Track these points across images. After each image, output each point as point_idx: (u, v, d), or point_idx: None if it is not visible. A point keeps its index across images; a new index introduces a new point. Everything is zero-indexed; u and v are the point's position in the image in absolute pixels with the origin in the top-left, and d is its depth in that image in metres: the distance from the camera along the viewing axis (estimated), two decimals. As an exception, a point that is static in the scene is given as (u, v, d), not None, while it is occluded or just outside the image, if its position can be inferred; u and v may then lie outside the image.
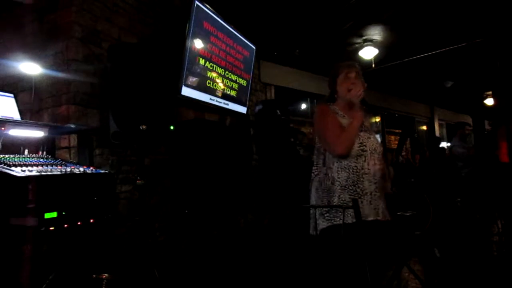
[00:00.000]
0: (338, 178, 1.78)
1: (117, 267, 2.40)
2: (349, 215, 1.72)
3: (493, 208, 4.55)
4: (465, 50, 5.20)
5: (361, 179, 1.77)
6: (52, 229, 1.43)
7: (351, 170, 1.77)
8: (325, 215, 1.79)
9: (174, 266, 3.09)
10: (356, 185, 1.76)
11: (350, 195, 1.75)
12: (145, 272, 2.34)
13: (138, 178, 2.54)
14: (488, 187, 4.53)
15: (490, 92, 8.24)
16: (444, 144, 10.17)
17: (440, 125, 10.51)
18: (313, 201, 1.88)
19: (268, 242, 4.18)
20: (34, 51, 2.77)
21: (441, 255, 3.39)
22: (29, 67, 2.59)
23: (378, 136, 8.39)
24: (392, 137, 8.65)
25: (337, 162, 1.80)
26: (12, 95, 2.13)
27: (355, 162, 1.78)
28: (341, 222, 1.74)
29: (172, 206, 3.36)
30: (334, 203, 1.76)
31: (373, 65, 5.65)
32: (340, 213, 1.75)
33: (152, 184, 3.11)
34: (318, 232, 1.80)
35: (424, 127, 10.07)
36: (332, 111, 1.90)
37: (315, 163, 1.93)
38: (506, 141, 4.36)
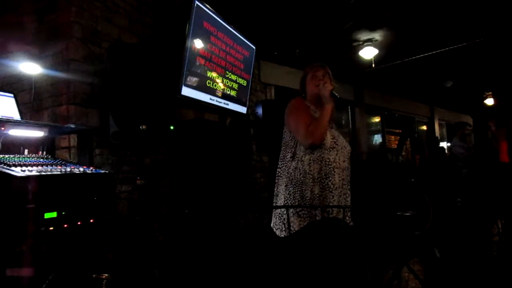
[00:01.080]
0: (310, 170, 1.75)
1: (117, 267, 2.40)
2: (319, 212, 1.70)
3: (493, 208, 4.55)
4: (465, 50, 5.20)
5: (333, 172, 1.75)
6: (52, 229, 1.43)
7: (323, 162, 1.75)
8: (300, 213, 1.74)
9: (174, 266, 3.09)
10: (328, 178, 1.74)
11: (321, 188, 1.73)
12: (145, 272, 2.34)
13: (138, 178, 2.55)
14: (488, 187, 4.53)
15: (490, 92, 8.24)
16: (444, 144, 10.19)
17: (440, 125, 10.51)
18: (282, 199, 1.84)
19: (268, 242, 4.18)
20: (34, 51, 2.77)
21: (441, 255, 3.39)
22: (29, 67, 2.59)
23: (378, 136, 8.40)
24: (392, 137, 8.64)
25: (309, 154, 1.78)
26: (12, 95, 2.13)
27: (328, 154, 1.77)
28: (319, 218, 1.71)
29: (172, 206, 3.36)
30: (307, 198, 1.73)
31: (373, 65, 5.65)
32: (318, 211, 1.71)
33: (152, 184, 3.11)
34: (289, 233, 1.74)
35: (424, 127, 10.07)
36: (305, 105, 1.92)
37: (281, 157, 1.91)
38: (506, 141, 4.36)
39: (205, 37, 3.56)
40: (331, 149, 1.78)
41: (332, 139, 1.82)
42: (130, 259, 2.55)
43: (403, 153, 5.50)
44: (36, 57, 2.71)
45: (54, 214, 1.44)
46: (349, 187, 1.84)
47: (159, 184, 3.24)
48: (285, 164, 1.87)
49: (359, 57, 5.34)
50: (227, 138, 4.40)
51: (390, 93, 8.21)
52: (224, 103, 4.03)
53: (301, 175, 1.76)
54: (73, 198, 1.55)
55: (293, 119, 1.87)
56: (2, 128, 1.75)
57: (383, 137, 8.37)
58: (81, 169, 1.72)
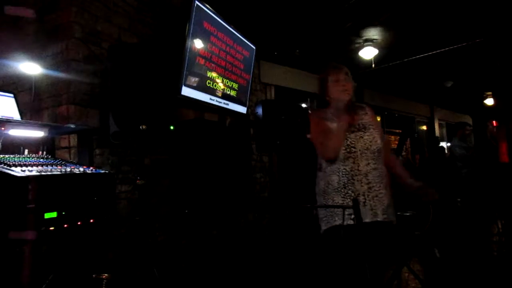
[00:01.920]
0: (331, 181, 1.82)
1: (117, 267, 2.40)
2: (348, 217, 1.72)
3: (493, 208, 4.55)
4: (465, 50, 5.20)
5: (351, 180, 1.78)
6: (52, 229, 1.43)
7: (340, 173, 1.80)
8: (323, 219, 1.84)
9: (174, 266, 3.09)
10: (347, 187, 1.78)
11: (342, 197, 1.78)
12: (145, 272, 2.34)
13: (138, 178, 2.54)
14: (488, 187, 4.53)
15: (490, 92, 8.24)
16: (443, 144, 10.19)
17: (440, 125, 10.51)
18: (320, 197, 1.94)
19: (268, 242, 4.18)
20: (34, 51, 2.77)
21: (441, 255, 3.39)
22: (29, 67, 2.59)
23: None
24: (392, 137, 8.64)
25: (329, 166, 1.84)
26: (12, 95, 2.13)
27: (343, 165, 1.80)
28: (338, 223, 1.75)
29: (172, 206, 3.36)
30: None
31: (373, 65, 5.65)
32: (336, 216, 1.76)
33: (152, 184, 3.11)
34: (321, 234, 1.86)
35: (424, 127, 10.07)
36: (318, 118, 1.93)
37: (317, 168, 1.99)
38: (506, 141, 4.36)
39: (205, 37, 3.56)
40: (345, 160, 1.80)
41: (346, 148, 1.80)
42: (130, 259, 2.55)
43: (403, 153, 5.50)
44: (36, 57, 2.71)
45: (54, 214, 1.44)
46: (382, 185, 1.82)
47: (159, 184, 3.24)
48: (318, 172, 1.96)
49: (359, 57, 5.34)
50: (227, 138, 4.40)
51: (390, 93, 8.21)
52: (224, 103, 4.02)
53: (325, 185, 1.85)
54: (73, 198, 1.55)
55: (312, 134, 1.94)
56: (2, 128, 1.75)
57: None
58: (81, 169, 1.72)
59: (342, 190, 1.78)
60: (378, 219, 1.76)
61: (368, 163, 1.81)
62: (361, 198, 1.76)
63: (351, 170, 1.79)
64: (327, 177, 1.84)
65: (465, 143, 5.06)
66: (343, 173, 1.80)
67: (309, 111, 1.95)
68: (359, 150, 1.81)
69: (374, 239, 1.73)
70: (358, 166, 1.80)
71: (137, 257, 2.49)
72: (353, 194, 1.76)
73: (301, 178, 4.63)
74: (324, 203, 1.83)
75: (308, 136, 2.01)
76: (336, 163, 1.81)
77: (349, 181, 1.78)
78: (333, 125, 1.84)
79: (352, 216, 1.65)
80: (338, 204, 1.77)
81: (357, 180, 1.78)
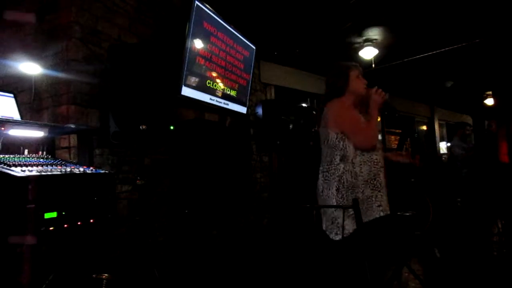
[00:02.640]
0: (361, 172, 1.77)
1: (117, 267, 2.40)
2: (377, 209, 1.73)
3: (493, 208, 4.55)
4: (465, 50, 5.20)
5: (379, 172, 1.79)
6: (52, 229, 1.43)
7: (372, 163, 1.78)
8: (353, 215, 1.72)
9: (174, 266, 3.09)
10: (376, 179, 1.77)
11: (371, 189, 1.75)
12: (145, 272, 2.34)
13: (138, 178, 2.54)
14: (488, 187, 4.53)
15: (490, 92, 8.24)
16: (443, 144, 10.19)
17: (440, 125, 10.50)
18: (334, 203, 1.80)
19: (268, 242, 4.18)
20: (34, 51, 2.77)
21: (441, 255, 3.39)
22: (29, 67, 2.59)
23: (378, 136, 8.38)
24: (392, 137, 8.64)
25: (359, 156, 1.79)
26: (12, 95, 2.13)
27: (376, 154, 1.80)
28: (368, 219, 1.72)
29: (172, 206, 3.36)
30: (360, 200, 1.71)
31: (373, 65, 5.65)
32: (366, 210, 1.72)
33: (152, 184, 3.11)
34: (344, 236, 1.72)
35: (424, 127, 10.07)
36: (348, 105, 1.91)
37: (328, 160, 1.86)
38: (506, 141, 4.36)
39: (205, 37, 3.56)
40: (378, 150, 1.82)
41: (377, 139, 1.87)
42: (130, 259, 2.55)
43: (403, 153, 5.49)
44: (36, 57, 2.71)
45: (54, 214, 1.44)
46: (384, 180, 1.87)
47: (159, 184, 3.23)
48: (334, 167, 1.82)
49: (359, 57, 5.34)
50: (227, 138, 4.40)
51: (390, 93, 8.16)
52: (224, 103, 4.02)
53: (352, 177, 1.77)
54: (73, 198, 1.55)
55: (348, 120, 1.84)
56: (2, 128, 1.75)
57: (383, 137, 8.37)
58: (81, 169, 1.71)
59: (372, 181, 1.76)
60: (388, 213, 1.79)
61: (382, 158, 1.85)
62: (384, 190, 1.78)
63: (379, 161, 1.80)
64: (356, 168, 1.77)
65: (465, 143, 5.07)
66: (375, 163, 1.78)
67: (332, 99, 1.85)
68: (380, 146, 1.86)
69: (395, 232, 1.74)
70: (382, 159, 1.83)
71: (137, 257, 2.49)
72: (379, 186, 1.76)
73: (301, 178, 4.63)
74: (353, 196, 1.71)
75: (329, 124, 1.87)
76: (369, 153, 1.79)
77: (377, 173, 1.78)
78: (359, 115, 1.88)
79: (381, 208, 1.66)
80: (368, 196, 1.73)
81: (382, 173, 1.80)
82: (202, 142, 3.95)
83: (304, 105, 5.49)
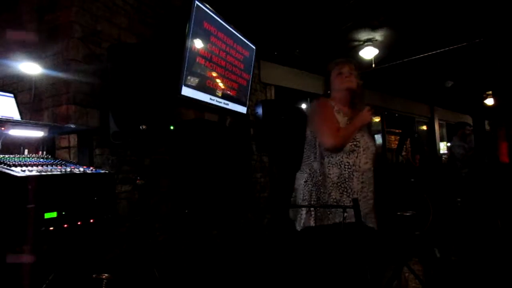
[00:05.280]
0: (329, 174, 1.74)
1: (117, 267, 2.40)
2: (337, 215, 1.69)
3: (493, 208, 4.55)
4: (465, 50, 5.20)
5: (351, 176, 1.73)
6: (52, 229, 1.42)
7: (343, 166, 1.74)
8: (313, 214, 1.75)
9: (174, 266, 3.09)
10: (346, 183, 1.72)
11: (340, 193, 1.72)
12: (145, 272, 2.34)
13: (138, 178, 2.54)
14: (488, 187, 4.53)
15: (490, 92, 8.24)
16: (443, 144, 10.19)
17: (440, 125, 10.50)
18: (300, 194, 1.84)
19: (268, 242, 4.18)
20: (34, 51, 2.77)
21: (441, 255, 3.39)
22: (29, 67, 2.59)
23: (378, 136, 8.38)
24: (392, 137, 8.64)
25: (327, 157, 1.76)
26: (12, 95, 2.13)
27: (346, 158, 1.74)
28: (330, 223, 1.70)
29: (172, 206, 3.36)
30: (324, 201, 1.73)
31: (373, 65, 5.65)
32: (331, 214, 1.72)
33: (152, 184, 3.11)
34: (301, 228, 1.77)
35: (424, 127, 10.07)
36: (327, 103, 1.88)
37: (304, 158, 1.90)
38: (506, 141, 4.36)
39: (205, 37, 3.56)
40: (351, 152, 1.75)
41: (353, 142, 1.76)
42: (130, 259, 2.55)
43: (403, 153, 5.50)
44: (36, 57, 2.71)
45: (54, 214, 1.44)
46: (371, 189, 1.79)
47: (159, 184, 3.24)
48: (309, 162, 1.85)
49: (359, 57, 5.34)
50: (227, 138, 4.40)
51: (390, 93, 8.21)
52: (224, 103, 4.03)
53: (321, 177, 1.76)
54: (73, 198, 1.55)
55: (318, 119, 1.84)
56: (2, 128, 1.75)
57: (383, 137, 8.36)
58: (81, 169, 1.71)
59: (341, 185, 1.72)
60: (353, 221, 1.68)
61: (366, 162, 1.79)
62: (354, 197, 1.71)
63: (353, 165, 1.74)
64: (325, 169, 1.75)
65: (465, 143, 5.06)
66: (346, 166, 1.73)
67: (318, 98, 1.85)
68: (362, 147, 1.79)
69: (355, 240, 1.68)
70: (359, 162, 1.76)
71: (137, 257, 2.49)
72: (350, 191, 1.72)
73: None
74: (317, 196, 1.74)
75: (308, 121, 1.90)
76: (339, 155, 1.75)
77: (349, 176, 1.73)
78: (339, 116, 1.84)
79: (345, 215, 1.61)
80: (335, 200, 1.71)
81: (356, 177, 1.74)
82: (202, 142, 3.95)
83: (304, 105, 5.49)
